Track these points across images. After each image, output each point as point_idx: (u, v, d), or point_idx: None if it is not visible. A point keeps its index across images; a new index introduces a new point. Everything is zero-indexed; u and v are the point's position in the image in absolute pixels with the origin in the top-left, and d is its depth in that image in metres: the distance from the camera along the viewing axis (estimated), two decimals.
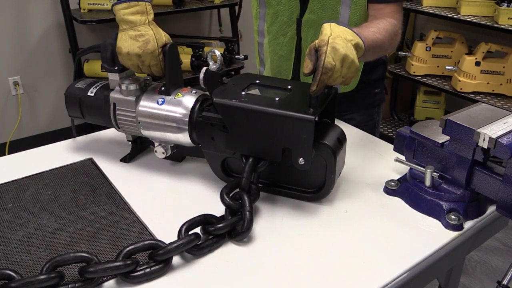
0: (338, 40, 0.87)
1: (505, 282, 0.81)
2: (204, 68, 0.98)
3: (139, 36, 0.98)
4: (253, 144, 0.92)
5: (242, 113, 0.90)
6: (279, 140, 0.90)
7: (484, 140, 0.82)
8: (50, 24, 3.19)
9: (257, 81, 1.00)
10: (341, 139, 0.94)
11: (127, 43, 0.98)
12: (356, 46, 0.92)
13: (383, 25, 1.11)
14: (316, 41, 0.88)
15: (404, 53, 3.11)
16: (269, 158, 0.93)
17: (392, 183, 0.99)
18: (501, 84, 2.73)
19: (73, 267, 0.77)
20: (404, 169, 1.01)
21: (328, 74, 0.85)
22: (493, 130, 0.83)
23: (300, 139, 0.87)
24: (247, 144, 0.93)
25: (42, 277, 0.71)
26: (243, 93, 0.94)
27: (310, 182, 0.96)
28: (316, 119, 0.86)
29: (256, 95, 0.96)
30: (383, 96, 1.47)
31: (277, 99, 0.92)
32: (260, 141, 0.91)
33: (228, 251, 0.84)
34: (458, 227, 0.88)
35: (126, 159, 1.12)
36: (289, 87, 0.97)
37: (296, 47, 1.30)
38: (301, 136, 0.87)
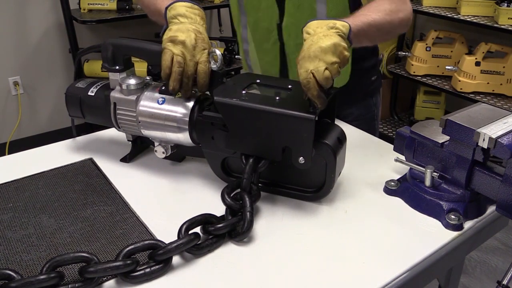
0: (308, 42, 0.87)
1: (505, 282, 0.81)
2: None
3: (197, 31, 0.97)
4: (253, 143, 0.92)
5: (242, 112, 0.90)
6: (279, 139, 0.90)
7: (484, 140, 0.82)
8: (50, 24, 3.19)
9: (258, 81, 1.00)
10: (341, 139, 0.94)
11: (185, 33, 0.95)
12: (332, 25, 0.89)
13: (376, 5, 1.08)
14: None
15: (404, 53, 3.11)
16: (269, 157, 0.93)
17: (392, 183, 0.99)
18: (501, 84, 2.73)
19: (73, 267, 0.77)
20: (404, 169, 1.01)
21: (309, 84, 0.84)
22: (493, 130, 0.83)
23: (300, 138, 0.87)
24: (247, 143, 0.93)
25: (42, 277, 0.71)
26: (243, 92, 0.94)
27: (310, 181, 0.96)
28: (317, 118, 0.86)
29: (256, 94, 0.96)
30: (379, 82, 1.45)
31: (277, 98, 0.92)
32: (260, 140, 0.91)
33: (228, 251, 0.84)
34: (458, 227, 0.88)
35: (126, 159, 1.12)
36: (290, 86, 0.97)
37: (280, 52, 1.30)
38: (301, 135, 0.87)
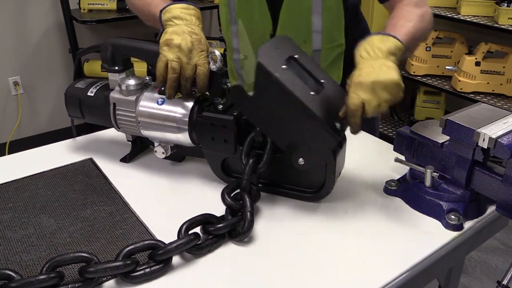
0: (366, 65, 0.84)
1: (505, 282, 0.81)
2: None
3: (193, 33, 0.96)
4: (268, 120, 0.90)
5: (277, 89, 0.85)
6: (293, 132, 0.88)
7: (484, 140, 0.82)
8: (50, 24, 3.19)
9: (296, 56, 0.93)
10: (341, 139, 0.94)
11: (180, 36, 0.95)
12: (393, 50, 0.87)
13: (407, 13, 1.02)
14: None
15: None
16: (275, 140, 0.91)
17: (392, 183, 0.99)
18: (501, 84, 2.73)
19: (73, 267, 0.77)
20: (404, 169, 1.01)
21: (357, 112, 0.82)
22: (493, 130, 0.83)
23: (314, 145, 0.87)
24: (263, 117, 0.90)
25: (42, 277, 0.71)
26: (283, 67, 0.89)
27: (310, 182, 0.96)
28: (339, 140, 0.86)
29: (295, 77, 0.89)
30: None
31: (312, 93, 0.88)
32: (277, 121, 0.89)
33: (228, 251, 0.84)
34: (458, 227, 0.88)
35: (126, 159, 1.12)
36: (322, 81, 0.92)
37: None
38: (316, 143, 0.87)
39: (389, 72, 0.83)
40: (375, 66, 0.84)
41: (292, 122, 0.87)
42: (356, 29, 1.26)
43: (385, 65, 0.84)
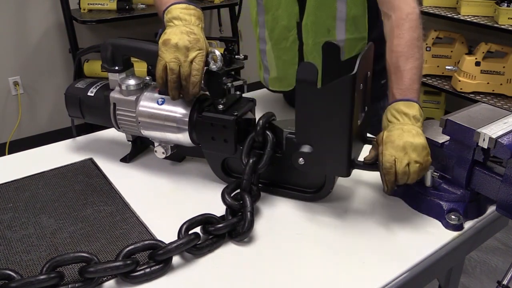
0: (396, 128, 0.89)
1: (505, 282, 0.81)
2: (204, 68, 0.98)
3: (191, 33, 0.97)
4: (307, 112, 0.87)
5: (346, 88, 0.82)
6: (318, 138, 0.87)
7: (484, 140, 0.82)
8: (50, 24, 3.19)
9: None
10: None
11: (178, 36, 0.95)
12: (418, 117, 0.92)
13: (407, 42, 1.03)
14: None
15: None
16: (296, 131, 0.89)
17: None
18: (501, 84, 2.73)
19: (73, 267, 0.77)
20: None
21: (391, 169, 0.86)
22: (493, 130, 0.83)
23: (325, 158, 0.87)
24: (307, 104, 0.86)
25: (42, 277, 0.71)
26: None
27: (310, 182, 0.96)
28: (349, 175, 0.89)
29: (359, 87, 0.88)
30: (386, 87, 1.44)
31: (362, 114, 0.93)
32: (313, 117, 0.87)
33: (228, 251, 0.84)
34: (458, 227, 0.88)
35: (126, 159, 1.12)
36: (366, 107, 0.97)
37: (299, 51, 1.30)
38: (329, 161, 0.87)
39: (418, 136, 0.87)
40: (405, 129, 0.88)
41: (325, 129, 0.86)
42: (378, 27, 1.26)
43: (414, 130, 0.89)
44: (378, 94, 1.40)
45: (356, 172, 1.04)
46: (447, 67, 2.84)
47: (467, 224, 0.89)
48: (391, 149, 0.86)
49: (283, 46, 1.31)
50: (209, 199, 0.97)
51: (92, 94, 1.09)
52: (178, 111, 0.98)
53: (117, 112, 1.04)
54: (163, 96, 1.00)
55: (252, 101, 1.04)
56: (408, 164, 0.85)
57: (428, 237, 0.87)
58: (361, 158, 0.94)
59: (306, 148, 0.88)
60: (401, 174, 0.85)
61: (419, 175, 0.88)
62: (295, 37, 1.28)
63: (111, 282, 0.77)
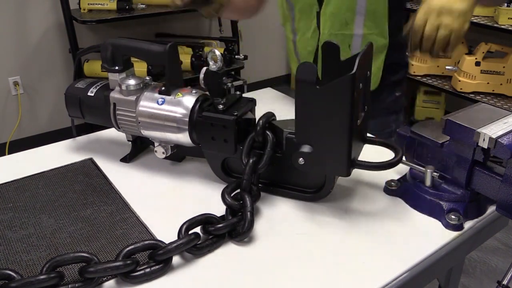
0: None
1: (505, 282, 0.81)
2: (204, 68, 0.98)
3: None
4: (307, 110, 0.86)
5: (345, 87, 0.81)
6: (318, 137, 0.86)
7: (484, 140, 0.82)
8: (50, 24, 3.19)
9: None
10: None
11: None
12: None
13: None
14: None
15: None
16: (296, 130, 0.89)
17: (392, 183, 0.99)
18: (501, 84, 2.73)
19: (73, 267, 0.77)
20: (404, 169, 1.01)
21: (418, 32, 0.80)
22: (493, 130, 0.83)
23: (325, 158, 0.87)
24: (306, 103, 0.86)
25: (42, 277, 0.71)
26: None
27: (310, 182, 0.96)
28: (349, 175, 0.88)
29: (359, 85, 0.87)
30: (403, 101, 1.39)
31: (362, 114, 0.91)
32: (313, 117, 0.86)
33: (228, 251, 0.84)
34: (458, 227, 0.88)
35: (126, 159, 1.12)
36: (366, 107, 0.94)
37: (318, 41, 1.30)
38: (329, 161, 0.87)
39: (461, 1, 0.82)
40: None
41: (325, 129, 0.85)
42: (398, 35, 1.25)
43: None
44: (393, 107, 1.37)
45: (356, 172, 1.05)
46: (447, 67, 2.85)
47: (467, 224, 0.89)
48: (427, 9, 0.81)
49: (306, 36, 1.32)
50: (209, 199, 0.97)
51: (92, 94, 1.09)
52: (178, 111, 0.98)
53: (117, 112, 1.04)
54: (163, 96, 1.00)
55: (252, 101, 1.04)
56: (438, 28, 0.80)
57: (428, 237, 0.87)
58: (362, 155, 0.94)
59: (306, 148, 0.88)
60: (426, 36, 0.80)
61: (448, 43, 0.81)
62: (315, 26, 1.28)
63: (111, 282, 0.77)
